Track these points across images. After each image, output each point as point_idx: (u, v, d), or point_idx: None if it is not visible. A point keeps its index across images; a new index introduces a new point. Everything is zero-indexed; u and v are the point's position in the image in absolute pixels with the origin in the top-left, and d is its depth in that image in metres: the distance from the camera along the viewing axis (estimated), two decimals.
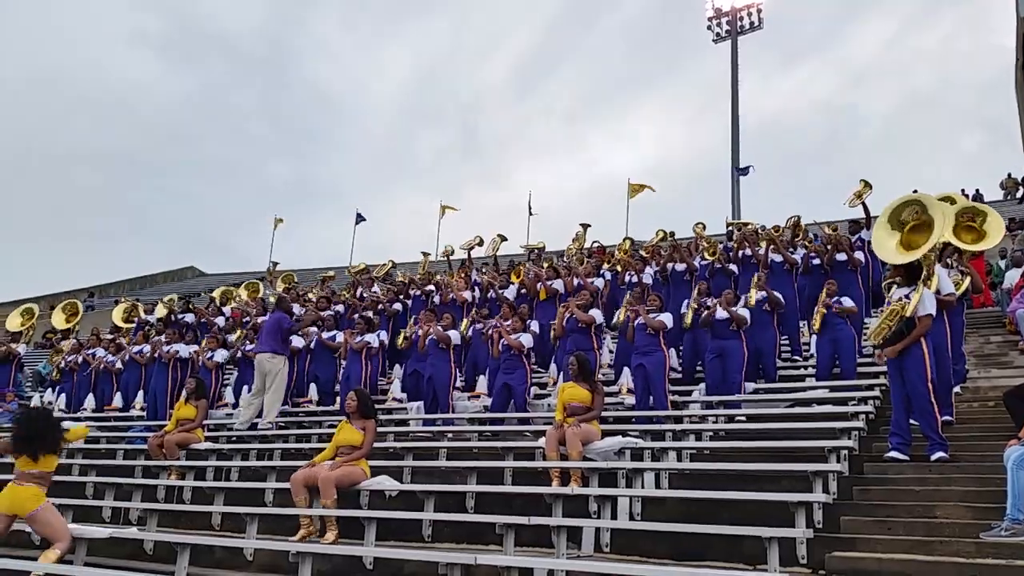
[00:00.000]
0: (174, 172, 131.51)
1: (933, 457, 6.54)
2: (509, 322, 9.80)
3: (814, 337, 9.94)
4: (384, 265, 18.88)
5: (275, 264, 23.03)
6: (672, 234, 15.65)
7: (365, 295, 14.11)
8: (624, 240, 17.93)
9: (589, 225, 17.36)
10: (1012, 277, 11.61)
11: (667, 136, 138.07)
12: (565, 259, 15.30)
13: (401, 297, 13.58)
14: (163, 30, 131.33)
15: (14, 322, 15.35)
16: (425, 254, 17.84)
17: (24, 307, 15.91)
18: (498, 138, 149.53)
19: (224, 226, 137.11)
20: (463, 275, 13.67)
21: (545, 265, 13.45)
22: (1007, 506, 5.19)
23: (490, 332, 10.05)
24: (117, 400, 12.68)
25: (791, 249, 11.59)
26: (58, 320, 16.21)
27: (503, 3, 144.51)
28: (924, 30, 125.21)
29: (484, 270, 14.88)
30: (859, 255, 11.01)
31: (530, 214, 37.63)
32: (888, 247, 7.10)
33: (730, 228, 15.03)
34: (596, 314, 9.67)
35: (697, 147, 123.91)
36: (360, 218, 41.71)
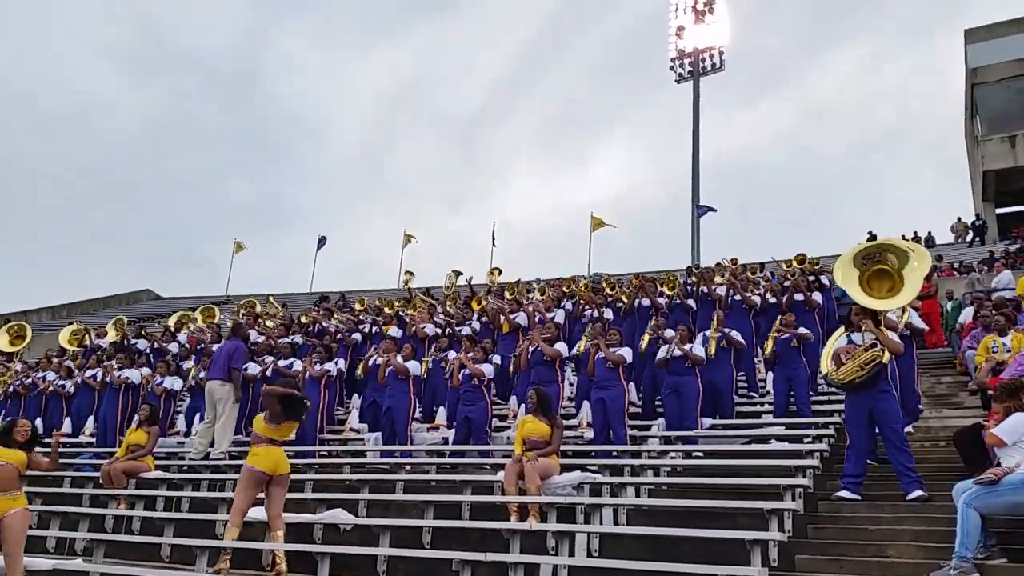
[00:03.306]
0: (138, 189, 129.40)
1: (911, 496, 6.60)
2: (471, 354, 9.77)
3: (770, 374, 10.09)
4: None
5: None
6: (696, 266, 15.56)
7: (324, 326, 13.97)
8: (635, 276, 17.36)
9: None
10: (968, 315, 11.89)
11: (633, 171, 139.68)
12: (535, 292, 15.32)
13: (362, 328, 13.49)
14: (129, 46, 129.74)
15: None
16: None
17: None
18: (464, 165, 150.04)
19: (189, 246, 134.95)
20: (426, 310, 13.61)
21: (508, 297, 13.46)
22: (956, 544, 5.27)
23: (451, 363, 10.02)
24: (66, 426, 12.36)
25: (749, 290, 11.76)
26: (2, 342, 15.76)
27: (472, 31, 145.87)
28: (884, 70, 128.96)
29: (448, 304, 14.84)
30: (816, 296, 11.21)
31: (493, 245, 37.71)
32: (852, 287, 7.21)
33: (690, 267, 15.23)
34: (561, 347, 9.70)
35: (662, 183, 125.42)
36: (322, 242, 41.44)
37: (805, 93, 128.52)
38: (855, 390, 6.96)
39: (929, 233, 30.43)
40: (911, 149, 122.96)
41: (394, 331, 12.45)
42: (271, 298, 21.62)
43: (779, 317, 9.98)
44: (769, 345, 9.61)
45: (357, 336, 13.18)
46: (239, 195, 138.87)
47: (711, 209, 33.72)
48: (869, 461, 7.16)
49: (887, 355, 6.86)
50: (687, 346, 9.22)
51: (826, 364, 7.25)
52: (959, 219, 32.04)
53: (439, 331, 12.42)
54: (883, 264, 7.21)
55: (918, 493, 6.60)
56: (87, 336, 16.24)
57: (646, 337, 9.97)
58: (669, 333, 9.64)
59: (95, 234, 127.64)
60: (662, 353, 9.31)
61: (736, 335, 9.94)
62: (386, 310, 15.09)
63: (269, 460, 6.92)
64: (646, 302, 12.06)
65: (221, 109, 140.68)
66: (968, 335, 10.63)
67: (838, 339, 7.40)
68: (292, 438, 7.41)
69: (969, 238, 30.33)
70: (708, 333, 9.86)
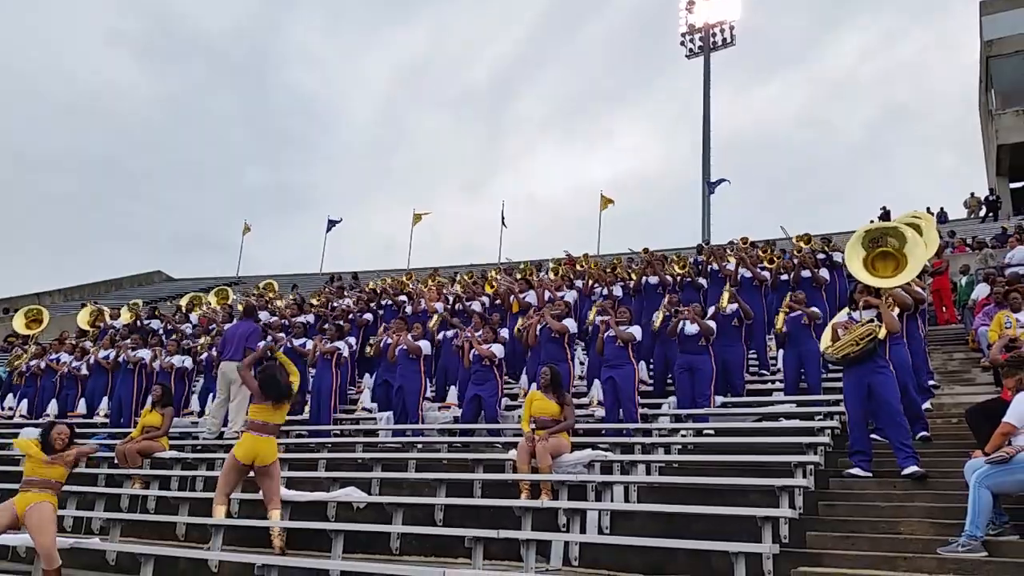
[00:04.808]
0: (151, 176, 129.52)
1: (906, 471, 6.57)
2: (480, 332, 9.78)
3: (781, 352, 10.06)
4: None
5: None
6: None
7: (336, 304, 14.02)
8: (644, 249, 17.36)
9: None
10: (982, 292, 11.81)
11: (643, 148, 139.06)
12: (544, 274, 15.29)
13: (372, 306, 13.51)
14: (141, 32, 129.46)
15: None
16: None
17: None
18: (475, 147, 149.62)
19: (199, 232, 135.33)
20: (435, 287, 13.64)
21: (518, 276, 13.46)
22: (966, 522, 5.27)
23: (461, 343, 10.03)
24: (81, 407, 12.47)
25: (760, 266, 11.71)
26: (19, 324, 15.90)
27: (481, 13, 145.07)
28: (899, 45, 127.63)
29: (457, 277, 14.88)
30: (823, 272, 11.15)
31: (503, 225, 37.72)
32: (856, 265, 7.22)
33: (700, 244, 15.18)
34: (569, 324, 9.66)
35: (673, 160, 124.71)
36: (332, 223, 41.52)
37: (817, 69, 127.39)
38: (851, 365, 6.94)
39: (941, 209, 30.17)
40: (925, 125, 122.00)
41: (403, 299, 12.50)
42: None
43: (789, 294, 9.95)
44: (779, 320, 9.57)
45: (368, 316, 13.20)
46: (251, 181, 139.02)
47: (724, 180, 33.74)
48: (875, 437, 7.15)
49: (883, 331, 6.84)
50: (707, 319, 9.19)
51: (826, 340, 7.25)
52: (972, 194, 31.70)
53: (445, 307, 12.39)
54: (885, 247, 7.21)
55: (913, 469, 6.56)
56: (102, 317, 16.38)
57: (660, 314, 9.81)
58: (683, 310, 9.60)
59: (107, 222, 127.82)
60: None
61: (746, 305, 9.92)
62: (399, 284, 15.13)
63: (251, 450, 6.97)
64: (654, 279, 12.01)
65: (231, 95, 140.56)
66: (981, 311, 10.58)
67: (840, 316, 7.40)
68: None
69: (982, 214, 30.04)
70: (721, 302, 9.84)
